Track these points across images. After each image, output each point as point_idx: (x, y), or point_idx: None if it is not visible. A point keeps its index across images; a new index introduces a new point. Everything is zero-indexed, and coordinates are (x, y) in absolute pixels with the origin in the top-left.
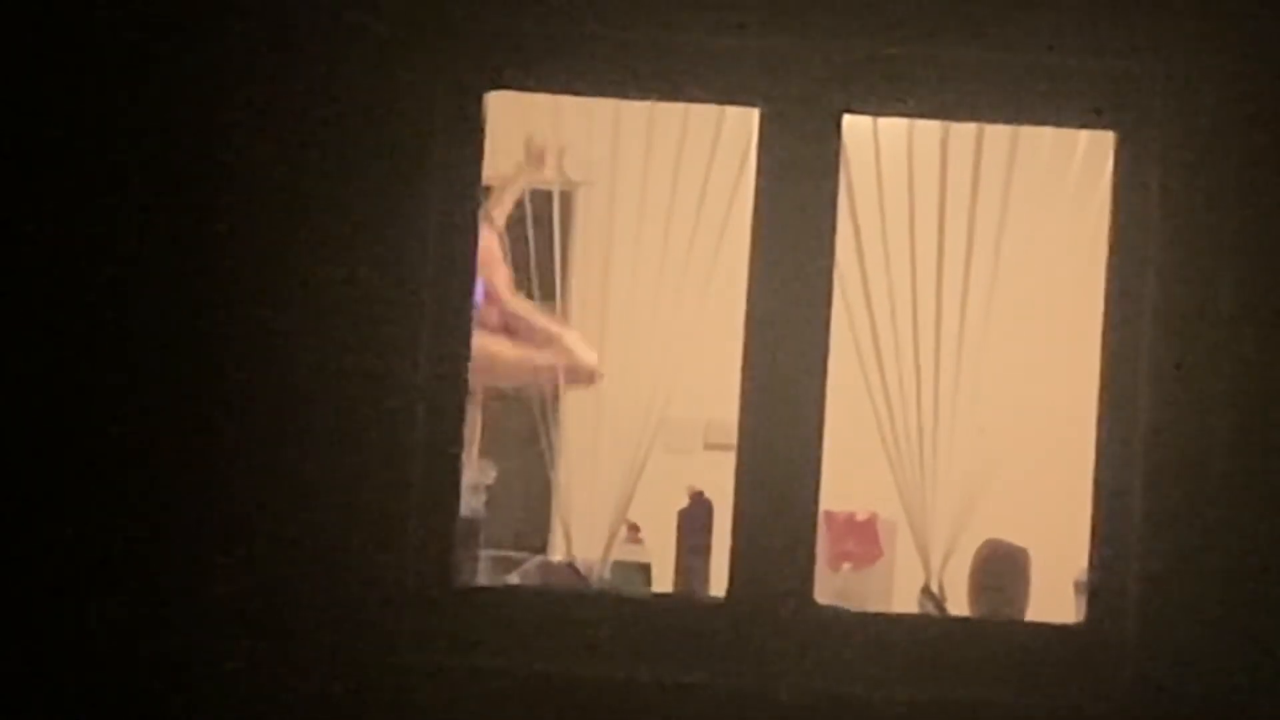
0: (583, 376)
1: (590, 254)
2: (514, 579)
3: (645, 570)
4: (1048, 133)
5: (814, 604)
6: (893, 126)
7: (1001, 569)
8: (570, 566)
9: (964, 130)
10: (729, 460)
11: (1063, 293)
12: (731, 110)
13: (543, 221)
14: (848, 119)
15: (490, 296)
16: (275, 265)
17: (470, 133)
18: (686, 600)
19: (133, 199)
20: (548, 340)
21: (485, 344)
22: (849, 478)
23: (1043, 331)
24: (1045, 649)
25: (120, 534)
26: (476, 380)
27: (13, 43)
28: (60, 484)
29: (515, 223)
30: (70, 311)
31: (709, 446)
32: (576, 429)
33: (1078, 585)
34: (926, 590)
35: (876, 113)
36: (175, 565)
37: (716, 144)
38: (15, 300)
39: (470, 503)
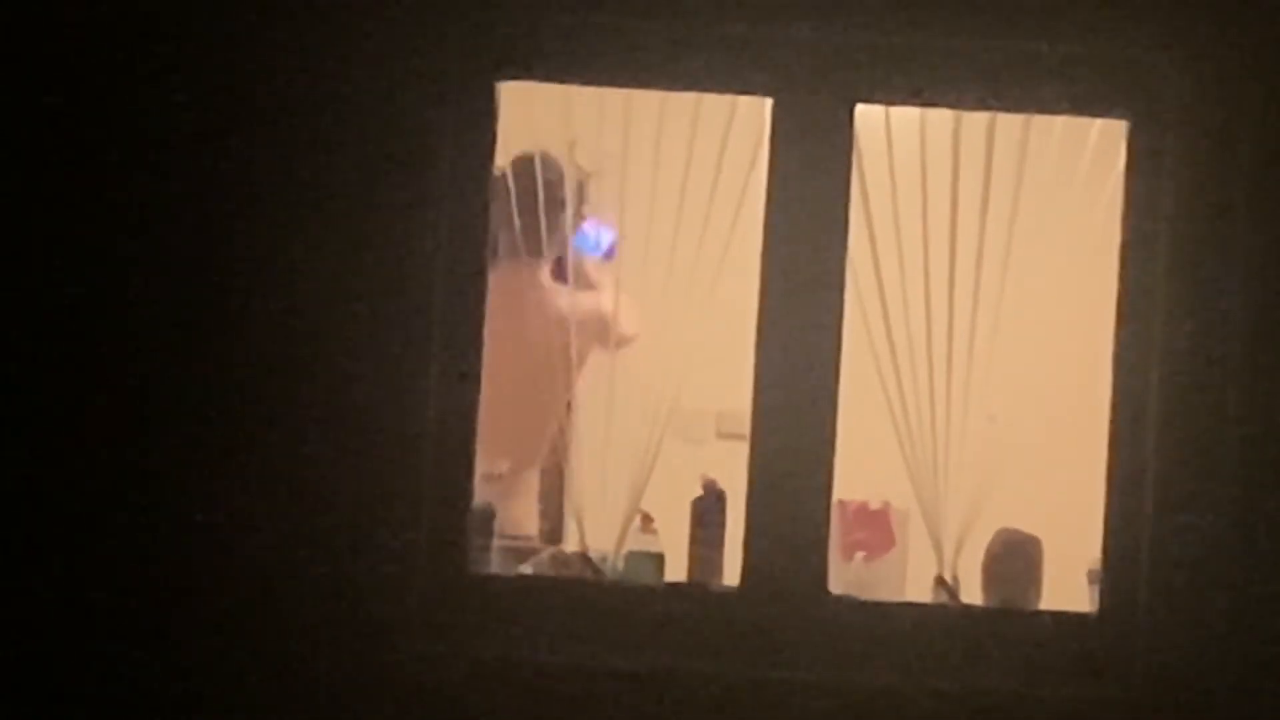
0: (625, 339)
1: None
2: (527, 569)
3: (658, 560)
4: (1060, 121)
5: (827, 593)
6: (905, 116)
7: (1014, 558)
8: (583, 556)
9: (976, 119)
10: (742, 450)
11: (1075, 281)
12: (744, 100)
13: (554, 211)
14: (860, 108)
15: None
16: (285, 255)
17: (482, 123)
18: (700, 590)
19: (141, 189)
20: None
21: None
22: (862, 467)
23: (1055, 320)
24: (1058, 638)
25: (120, 533)
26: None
27: (13, 43)
28: (61, 483)
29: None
30: (76, 296)
31: (722, 436)
32: (589, 419)
33: (1091, 574)
34: (939, 579)
35: (889, 102)
36: (181, 556)
37: (728, 134)
38: (16, 303)
39: (483, 492)
